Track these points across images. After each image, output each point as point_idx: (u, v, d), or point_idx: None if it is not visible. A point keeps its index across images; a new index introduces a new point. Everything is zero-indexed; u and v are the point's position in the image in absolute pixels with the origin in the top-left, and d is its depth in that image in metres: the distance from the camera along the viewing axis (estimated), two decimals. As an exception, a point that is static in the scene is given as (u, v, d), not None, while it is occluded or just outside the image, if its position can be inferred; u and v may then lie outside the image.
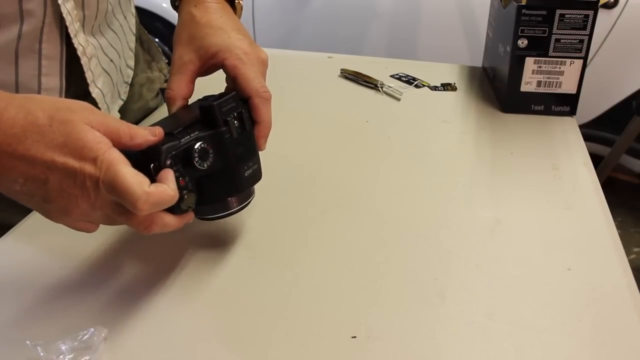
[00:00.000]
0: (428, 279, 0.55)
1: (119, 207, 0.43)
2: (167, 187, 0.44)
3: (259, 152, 0.55)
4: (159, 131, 0.46)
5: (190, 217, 0.49)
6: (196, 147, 0.47)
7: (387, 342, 0.48)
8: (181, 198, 0.46)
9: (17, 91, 0.60)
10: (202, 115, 0.50)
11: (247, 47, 0.56)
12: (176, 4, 0.63)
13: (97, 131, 0.42)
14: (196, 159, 0.47)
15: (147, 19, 2.34)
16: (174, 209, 0.46)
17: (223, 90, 0.57)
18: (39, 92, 0.61)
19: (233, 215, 0.54)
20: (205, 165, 0.48)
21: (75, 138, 0.41)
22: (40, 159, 0.41)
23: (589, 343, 0.48)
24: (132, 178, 0.41)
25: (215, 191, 0.52)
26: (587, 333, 0.49)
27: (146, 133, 0.45)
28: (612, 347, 0.48)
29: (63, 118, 0.42)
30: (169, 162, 0.45)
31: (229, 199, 0.53)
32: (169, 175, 0.45)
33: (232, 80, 0.55)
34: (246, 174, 0.53)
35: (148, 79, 0.86)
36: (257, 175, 0.55)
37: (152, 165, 0.45)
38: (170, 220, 0.46)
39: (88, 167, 0.41)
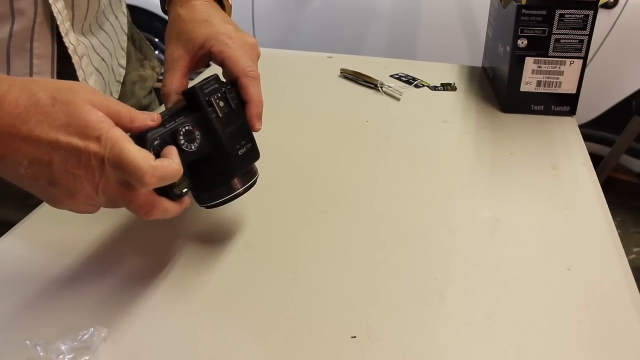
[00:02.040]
0: (428, 279, 0.55)
1: (123, 188, 0.44)
2: (172, 161, 0.45)
3: (256, 134, 0.55)
4: (157, 117, 0.47)
5: (187, 202, 0.50)
6: (181, 129, 0.48)
7: (387, 342, 0.48)
8: (174, 183, 0.46)
9: None
10: (187, 101, 0.51)
11: (232, 32, 0.57)
12: (166, 9, 0.64)
13: (99, 111, 0.43)
14: (182, 142, 0.48)
15: (147, 19, 2.34)
16: (169, 194, 0.47)
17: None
18: None
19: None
20: (194, 147, 0.49)
21: (78, 118, 0.42)
22: (44, 139, 0.41)
23: (589, 343, 0.48)
24: (138, 153, 0.42)
25: (215, 175, 0.53)
26: (587, 333, 0.49)
27: (145, 117, 0.46)
28: (612, 347, 0.48)
29: (65, 98, 0.42)
30: (156, 147, 0.46)
31: (233, 181, 0.54)
32: (173, 151, 0.46)
33: (221, 66, 0.56)
34: (240, 153, 0.53)
35: (141, 77, 0.86)
36: (253, 155, 0.55)
37: None
38: (170, 206, 0.47)
39: (93, 146, 0.42)
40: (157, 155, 0.46)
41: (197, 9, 0.60)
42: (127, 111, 0.45)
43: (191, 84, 0.58)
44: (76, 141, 0.41)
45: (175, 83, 0.56)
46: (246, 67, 0.54)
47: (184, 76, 0.57)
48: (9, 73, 0.60)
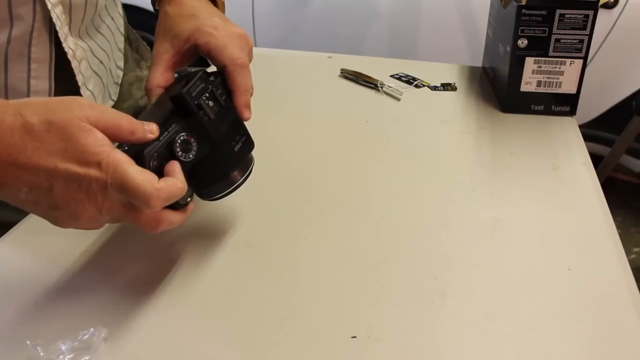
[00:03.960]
0: (428, 279, 0.55)
1: (127, 208, 0.43)
2: (176, 180, 0.44)
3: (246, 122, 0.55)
4: (156, 128, 0.46)
5: (192, 207, 0.50)
6: (177, 140, 0.47)
7: (387, 342, 0.48)
8: None
9: (6, 93, 0.61)
10: (175, 105, 0.50)
11: (217, 23, 0.57)
12: (156, 8, 0.64)
13: (96, 128, 0.42)
14: (179, 153, 0.47)
15: (147, 19, 2.33)
16: (173, 205, 0.47)
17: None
18: (28, 95, 0.62)
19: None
20: (191, 156, 0.48)
21: (75, 142, 0.41)
22: (42, 166, 0.40)
23: (589, 343, 0.48)
24: (141, 176, 0.41)
25: (214, 172, 0.52)
26: (587, 333, 0.49)
27: (145, 130, 0.45)
28: (612, 347, 0.48)
29: (61, 121, 0.41)
30: (154, 163, 0.45)
31: (231, 174, 0.54)
32: (175, 167, 0.46)
33: (208, 57, 0.55)
34: (236, 149, 0.53)
35: (137, 77, 0.86)
36: (248, 146, 0.55)
37: None
38: (176, 217, 0.47)
39: (93, 172, 0.41)
40: (156, 170, 0.45)
41: (184, 5, 0.60)
42: (127, 122, 0.44)
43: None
44: (75, 167, 0.41)
45: (158, 77, 0.56)
46: (233, 55, 0.53)
47: (167, 69, 0.57)
48: (6, 78, 0.60)
